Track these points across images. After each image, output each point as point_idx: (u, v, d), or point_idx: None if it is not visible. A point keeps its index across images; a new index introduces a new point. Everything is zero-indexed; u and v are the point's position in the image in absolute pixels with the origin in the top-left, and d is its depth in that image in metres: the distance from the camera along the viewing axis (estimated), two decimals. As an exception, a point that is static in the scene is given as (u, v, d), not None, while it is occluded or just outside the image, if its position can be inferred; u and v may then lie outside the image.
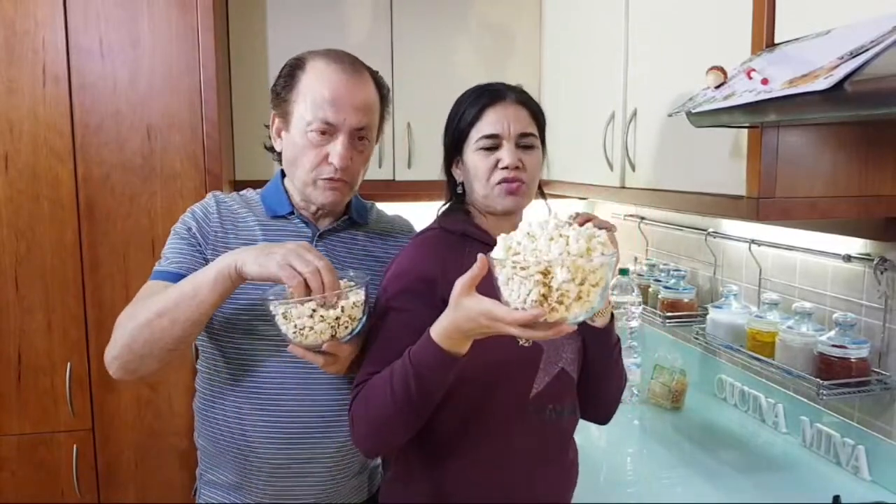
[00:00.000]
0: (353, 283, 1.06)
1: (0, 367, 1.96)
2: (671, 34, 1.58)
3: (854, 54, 0.86)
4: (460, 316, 0.91)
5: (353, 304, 1.04)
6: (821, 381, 1.44)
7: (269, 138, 1.26)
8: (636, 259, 2.43)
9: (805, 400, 1.68)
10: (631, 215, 2.46)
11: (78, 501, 2.03)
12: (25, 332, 1.98)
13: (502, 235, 0.87)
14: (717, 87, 1.17)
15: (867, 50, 0.85)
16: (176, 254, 1.18)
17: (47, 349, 1.99)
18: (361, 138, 1.18)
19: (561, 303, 0.82)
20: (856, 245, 1.52)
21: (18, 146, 1.92)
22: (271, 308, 1.03)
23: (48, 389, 1.99)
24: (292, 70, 1.19)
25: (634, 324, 2.05)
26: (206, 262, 1.15)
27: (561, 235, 0.84)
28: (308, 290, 0.99)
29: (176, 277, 1.12)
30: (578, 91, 2.13)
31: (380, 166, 2.37)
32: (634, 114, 1.73)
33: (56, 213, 1.96)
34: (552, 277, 0.81)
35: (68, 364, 1.99)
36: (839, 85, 0.83)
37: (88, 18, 1.93)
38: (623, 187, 1.81)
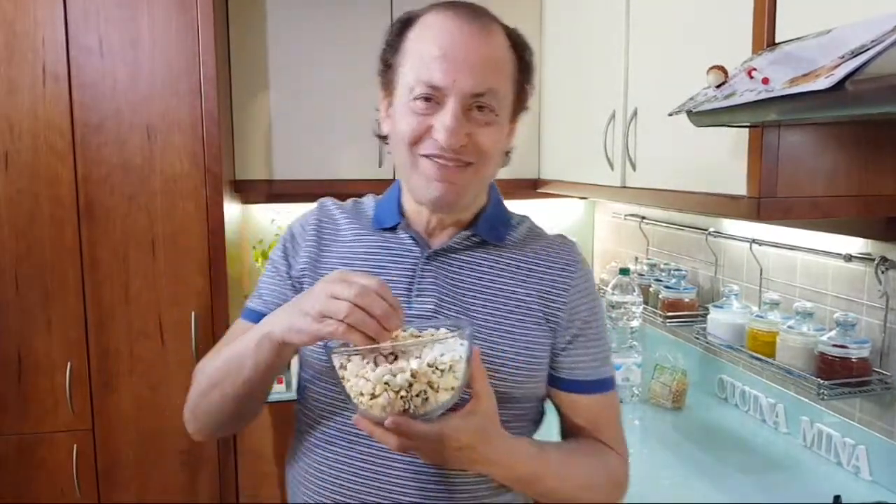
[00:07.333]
0: (441, 334, 0.78)
1: (0, 367, 1.97)
2: (672, 33, 1.58)
3: (855, 53, 0.86)
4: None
5: (434, 364, 0.72)
6: (821, 381, 1.44)
7: (378, 124, 0.98)
8: (637, 259, 2.43)
9: (806, 400, 1.68)
10: (631, 215, 2.46)
11: (78, 501, 2.03)
12: (25, 331, 1.97)
13: None
14: (718, 86, 1.16)
15: (868, 49, 0.84)
16: (264, 286, 1.01)
17: (47, 349, 1.99)
18: (483, 107, 0.86)
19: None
20: (857, 245, 1.52)
21: (18, 145, 1.92)
22: (333, 361, 0.77)
23: (48, 389, 1.99)
24: (402, 28, 0.91)
25: (635, 324, 2.05)
26: (296, 292, 0.96)
27: None
28: (369, 338, 0.74)
29: (259, 317, 0.93)
30: (579, 90, 2.13)
31: (380, 166, 2.37)
32: (635, 113, 1.73)
33: (56, 213, 1.96)
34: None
35: (68, 364, 1.99)
36: (840, 84, 0.83)
37: (88, 17, 1.93)
38: (624, 187, 1.80)
